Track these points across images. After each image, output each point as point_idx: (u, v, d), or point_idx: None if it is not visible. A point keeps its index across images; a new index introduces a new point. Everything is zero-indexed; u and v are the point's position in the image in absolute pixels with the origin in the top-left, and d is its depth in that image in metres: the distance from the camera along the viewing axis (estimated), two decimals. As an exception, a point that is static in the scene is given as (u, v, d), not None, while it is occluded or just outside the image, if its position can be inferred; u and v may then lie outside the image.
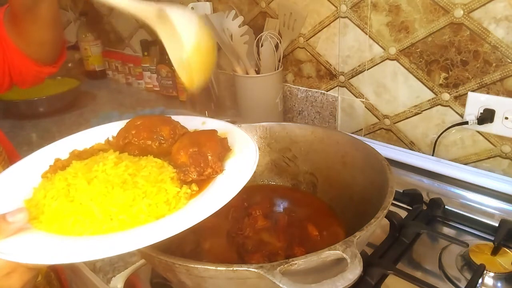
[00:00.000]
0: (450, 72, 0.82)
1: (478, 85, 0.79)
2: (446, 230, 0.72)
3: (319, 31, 1.01)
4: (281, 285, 0.40)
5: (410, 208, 0.75)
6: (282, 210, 0.70)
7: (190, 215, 0.43)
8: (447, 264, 0.63)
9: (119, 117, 1.21)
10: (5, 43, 0.70)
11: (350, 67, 0.98)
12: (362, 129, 1.02)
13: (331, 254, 0.43)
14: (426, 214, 0.73)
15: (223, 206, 0.43)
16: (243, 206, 0.68)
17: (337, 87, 1.03)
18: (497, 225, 0.69)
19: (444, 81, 0.84)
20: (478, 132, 0.82)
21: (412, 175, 0.83)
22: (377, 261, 0.60)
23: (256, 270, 0.41)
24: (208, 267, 0.42)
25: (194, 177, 0.49)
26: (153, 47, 1.43)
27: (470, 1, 0.75)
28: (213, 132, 0.55)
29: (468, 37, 0.78)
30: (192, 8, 1.19)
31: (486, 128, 0.80)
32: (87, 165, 0.50)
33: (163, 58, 1.37)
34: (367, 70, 0.95)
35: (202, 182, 0.50)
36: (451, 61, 0.81)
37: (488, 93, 0.79)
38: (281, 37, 1.06)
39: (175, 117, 0.58)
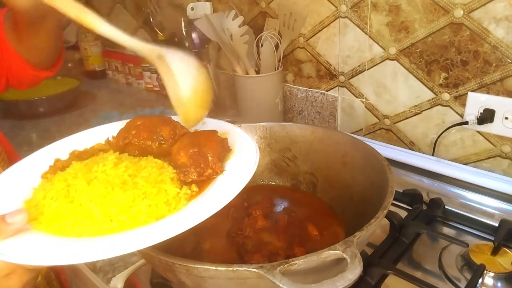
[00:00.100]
0: (450, 72, 0.82)
1: (478, 85, 0.79)
2: (446, 230, 0.72)
3: (319, 31, 1.01)
4: (281, 285, 0.40)
5: (410, 208, 0.75)
6: (282, 210, 0.70)
7: (190, 216, 0.43)
8: (447, 264, 0.63)
9: (119, 117, 1.21)
10: (4, 46, 0.70)
11: (350, 67, 0.98)
12: (362, 129, 1.02)
13: (331, 254, 0.43)
14: (426, 214, 0.73)
15: (224, 207, 0.43)
16: (243, 206, 0.68)
17: (337, 87, 1.03)
18: (497, 225, 0.69)
19: (444, 81, 0.84)
20: (478, 132, 0.82)
21: (412, 175, 0.83)
22: (377, 261, 0.60)
23: (256, 270, 0.41)
24: (208, 267, 0.42)
25: (194, 178, 0.49)
26: (153, 47, 1.43)
27: (470, 1, 0.75)
28: (213, 132, 0.55)
29: (468, 37, 0.78)
30: (192, 8, 1.18)
31: (486, 128, 0.80)
32: (87, 165, 0.50)
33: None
34: (367, 70, 0.95)
35: (202, 182, 0.49)
36: (451, 61, 0.81)
37: (488, 93, 0.79)
38: (281, 37, 1.06)
39: (175, 117, 0.57)
